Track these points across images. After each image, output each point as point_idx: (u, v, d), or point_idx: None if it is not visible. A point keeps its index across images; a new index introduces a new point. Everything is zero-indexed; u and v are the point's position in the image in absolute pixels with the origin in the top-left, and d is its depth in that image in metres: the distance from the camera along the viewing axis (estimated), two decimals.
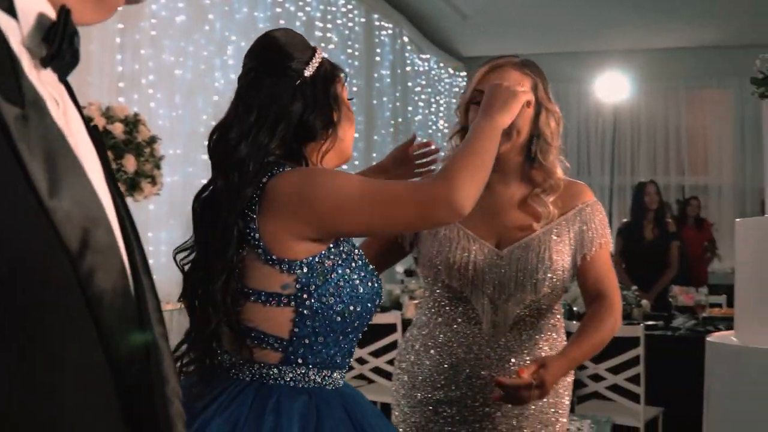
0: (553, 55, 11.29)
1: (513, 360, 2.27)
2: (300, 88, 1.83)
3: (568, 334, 2.40)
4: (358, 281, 1.78)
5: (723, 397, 2.05)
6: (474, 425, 2.28)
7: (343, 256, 1.79)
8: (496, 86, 2.07)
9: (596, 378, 4.92)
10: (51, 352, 0.67)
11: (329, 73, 1.89)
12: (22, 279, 0.64)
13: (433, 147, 2.38)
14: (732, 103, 11.95)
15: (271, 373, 1.76)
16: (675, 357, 5.17)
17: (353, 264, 1.80)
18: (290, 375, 1.77)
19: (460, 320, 2.35)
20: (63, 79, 0.80)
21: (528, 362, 2.25)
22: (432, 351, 2.37)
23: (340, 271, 1.76)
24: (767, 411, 1.96)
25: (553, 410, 2.31)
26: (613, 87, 10.41)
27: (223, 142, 1.81)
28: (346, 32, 9.11)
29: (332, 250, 1.77)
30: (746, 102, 11.71)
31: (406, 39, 10.65)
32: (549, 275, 2.27)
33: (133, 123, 4.40)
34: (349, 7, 9.17)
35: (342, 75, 1.93)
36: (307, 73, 1.84)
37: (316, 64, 1.86)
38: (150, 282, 0.86)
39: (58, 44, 0.75)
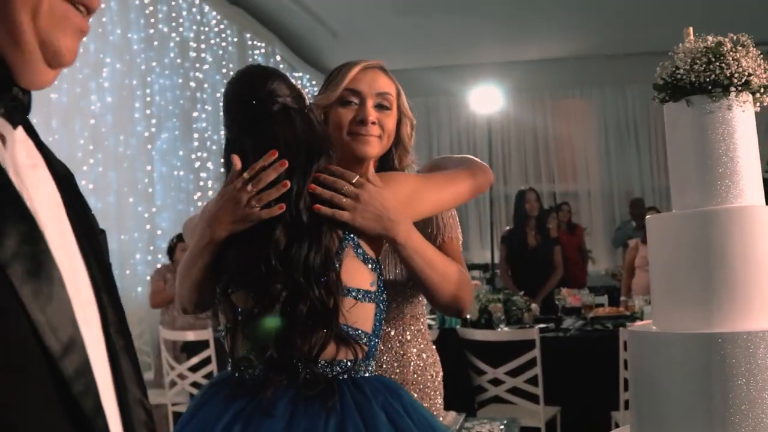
0: (425, 69, 11.50)
1: (383, 370, 2.21)
2: (310, 115, 1.97)
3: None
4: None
5: (647, 382, 2.14)
6: None
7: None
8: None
9: (495, 382, 5.02)
10: None
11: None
12: None
13: None
14: (594, 112, 12.45)
15: (361, 367, 1.88)
16: (567, 356, 5.34)
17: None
18: (371, 367, 1.92)
19: None
20: (16, 124, 0.87)
21: (398, 374, 2.23)
22: None
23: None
24: (690, 390, 2.06)
25: None
26: (486, 99, 10.66)
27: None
28: (220, 52, 9.05)
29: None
30: (608, 110, 12.26)
31: (278, 57, 10.65)
32: (410, 282, 2.23)
33: None
34: (222, 26, 9.11)
35: None
36: (307, 102, 1.97)
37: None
38: (111, 297, 0.93)
39: None
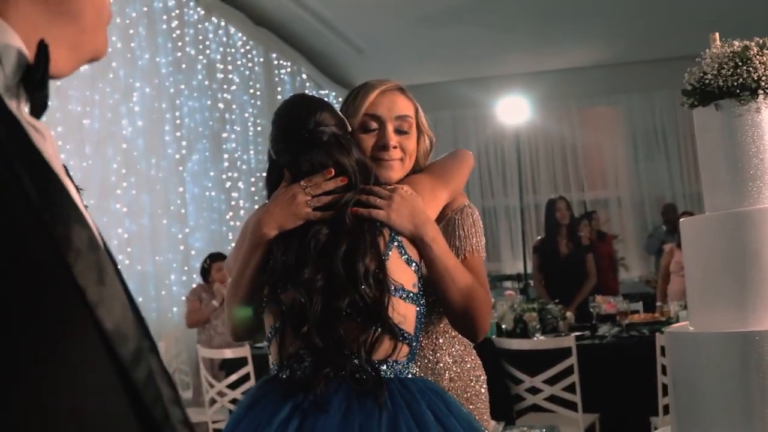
0: (451, 82, 11.54)
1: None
2: (353, 139, 2.10)
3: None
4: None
5: (686, 382, 2.16)
6: None
7: None
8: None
9: (533, 391, 5.02)
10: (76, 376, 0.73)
11: None
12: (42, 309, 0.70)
13: None
14: (622, 119, 12.41)
15: (406, 368, 1.94)
16: (604, 363, 5.33)
17: None
18: (413, 369, 1.97)
19: None
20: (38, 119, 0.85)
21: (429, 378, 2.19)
22: None
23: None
24: (728, 388, 2.08)
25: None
26: (513, 110, 10.66)
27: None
28: (247, 72, 9.15)
29: None
30: (635, 116, 12.21)
31: (304, 76, 10.74)
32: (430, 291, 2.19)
33: None
34: (248, 47, 9.21)
35: None
36: (349, 128, 2.09)
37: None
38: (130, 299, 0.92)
39: (42, 73, 0.80)
